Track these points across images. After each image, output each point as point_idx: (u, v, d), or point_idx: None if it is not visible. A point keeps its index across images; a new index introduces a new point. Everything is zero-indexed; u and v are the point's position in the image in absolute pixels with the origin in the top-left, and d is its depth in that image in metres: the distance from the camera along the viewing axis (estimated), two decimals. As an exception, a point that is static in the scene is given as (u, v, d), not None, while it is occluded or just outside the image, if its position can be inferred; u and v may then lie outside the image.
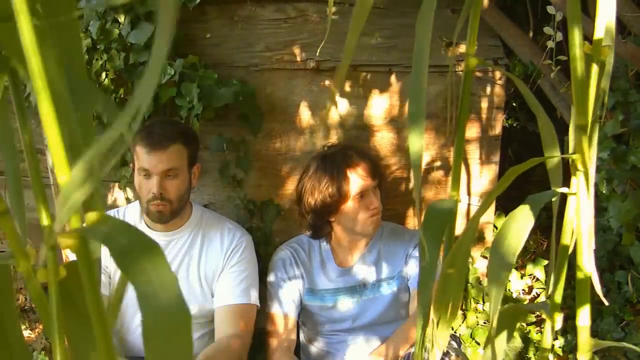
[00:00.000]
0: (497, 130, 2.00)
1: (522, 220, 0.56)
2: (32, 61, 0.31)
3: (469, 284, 2.07)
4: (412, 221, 2.06)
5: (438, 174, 2.03)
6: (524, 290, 2.16)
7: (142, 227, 1.73)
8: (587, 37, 0.57)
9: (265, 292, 1.81)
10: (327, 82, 1.97)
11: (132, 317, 1.73)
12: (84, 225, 0.33)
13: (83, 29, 1.84)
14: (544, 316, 0.62)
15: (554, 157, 0.61)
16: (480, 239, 2.08)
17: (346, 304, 1.78)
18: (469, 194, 2.03)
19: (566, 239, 0.62)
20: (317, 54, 1.90)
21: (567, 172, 0.62)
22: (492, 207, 2.06)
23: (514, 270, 2.15)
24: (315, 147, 1.99)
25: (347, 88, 1.97)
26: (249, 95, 1.92)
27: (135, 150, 1.67)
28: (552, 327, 0.61)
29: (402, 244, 1.79)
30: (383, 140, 2.00)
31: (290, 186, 2.02)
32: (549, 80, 1.91)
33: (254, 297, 1.73)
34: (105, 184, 2.09)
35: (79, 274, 0.34)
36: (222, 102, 1.84)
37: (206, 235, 1.75)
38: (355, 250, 1.80)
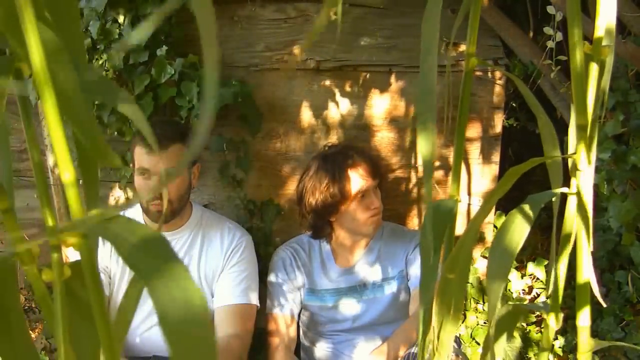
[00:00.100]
0: (497, 130, 2.00)
1: (522, 220, 0.56)
2: (35, 59, 0.31)
3: (469, 284, 2.07)
4: (413, 221, 2.07)
5: (438, 174, 2.03)
6: (524, 290, 2.16)
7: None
8: (587, 37, 0.57)
9: (265, 292, 1.81)
10: (327, 82, 1.98)
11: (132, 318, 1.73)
12: (89, 222, 0.34)
13: (83, 29, 1.84)
14: (544, 316, 0.62)
15: (554, 157, 0.61)
16: (481, 239, 2.08)
17: (346, 304, 1.78)
18: (469, 194, 2.03)
19: (566, 239, 0.62)
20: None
21: (566, 172, 0.62)
22: (492, 208, 2.06)
23: (514, 270, 2.15)
24: (315, 147, 1.99)
25: (347, 88, 1.97)
26: (249, 96, 1.92)
27: (135, 150, 1.67)
28: (556, 323, 0.61)
29: (403, 244, 1.79)
30: (383, 140, 2.00)
31: (290, 186, 2.02)
32: (549, 80, 1.91)
33: (254, 297, 1.73)
34: (106, 184, 2.09)
35: (82, 273, 0.34)
36: (222, 102, 1.84)
37: (206, 235, 1.75)
38: (355, 250, 1.80)
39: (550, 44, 1.73)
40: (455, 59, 1.91)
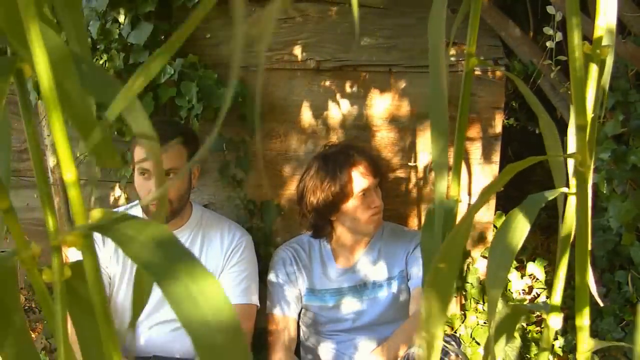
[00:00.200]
0: (497, 130, 2.00)
1: (522, 220, 0.56)
2: (39, 58, 0.31)
3: (469, 284, 2.07)
4: (413, 221, 2.07)
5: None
6: (524, 290, 2.16)
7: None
8: (587, 37, 0.57)
9: (265, 292, 1.81)
10: (327, 82, 1.98)
11: (133, 317, 1.73)
12: (90, 222, 0.34)
13: (85, 29, 1.84)
14: (544, 316, 0.62)
15: (553, 157, 0.61)
16: (481, 239, 2.08)
17: (346, 304, 1.78)
18: (469, 194, 2.03)
19: (566, 239, 0.62)
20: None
21: (566, 172, 0.62)
22: (492, 208, 2.06)
23: (514, 270, 2.15)
24: (315, 147, 1.99)
25: (347, 88, 1.98)
26: (249, 96, 1.92)
27: (135, 150, 1.67)
28: (560, 322, 0.61)
29: (403, 244, 1.79)
30: (383, 140, 2.00)
31: (291, 186, 2.02)
32: (549, 80, 1.91)
33: (254, 297, 1.73)
34: (106, 184, 2.09)
35: (83, 273, 0.34)
36: (222, 102, 1.85)
37: (206, 235, 1.75)
38: (355, 250, 1.80)
39: (550, 44, 1.74)
40: (456, 59, 1.91)
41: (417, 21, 1.95)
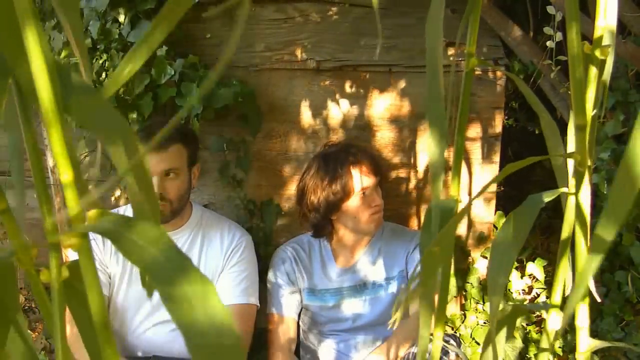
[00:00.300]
0: (497, 130, 2.00)
1: (522, 220, 0.56)
2: (35, 61, 0.31)
3: (469, 284, 2.07)
4: (413, 221, 2.07)
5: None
6: (523, 290, 2.16)
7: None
8: (587, 37, 0.57)
9: (265, 292, 1.81)
10: (327, 82, 1.98)
11: (132, 317, 1.73)
12: (86, 224, 0.33)
13: (83, 29, 1.84)
14: (544, 316, 0.62)
15: (551, 157, 0.61)
16: (481, 239, 2.08)
17: (347, 304, 1.78)
18: (469, 194, 2.03)
19: (565, 239, 0.62)
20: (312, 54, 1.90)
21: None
22: (493, 208, 2.06)
23: (514, 270, 2.15)
24: (315, 147, 1.99)
25: (348, 88, 1.97)
26: (249, 96, 1.92)
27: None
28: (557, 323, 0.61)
29: (403, 244, 1.79)
30: (383, 140, 2.00)
31: (291, 186, 2.02)
32: (549, 80, 1.91)
33: (253, 297, 1.73)
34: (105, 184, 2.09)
35: (81, 273, 0.34)
36: (222, 102, 1.85)
37: (206, 235, 1.75)
38: (356, 249, 1.80)
39: (550, 44, 1.73)
40: (456, 59, 1.91)
41: (417, 21, 1.95)
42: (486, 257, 2.08)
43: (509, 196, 2.39)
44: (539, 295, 2.14)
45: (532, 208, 0.56)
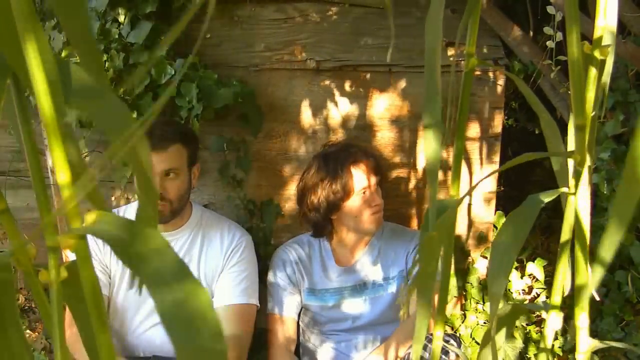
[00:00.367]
0: (497, 130, 2.00)
1: (522, 220, 0.56)
2: (32, 63, 0.31)
3: (469, 284, 2.07)
4: (413, 221, 2.07)
5: (438, 174, 2.03)
6: (523, 290, 2.16)
7: (142, 227, 1.73)
8: (588, 37, 0.57)
9: (265, 292, 1.81)
10: (327, 82, 1.98)
11: (132, 317, 1.73)
12: (84, 225, 0.33)
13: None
14: (544, 316, 0.62)
15: (550, 155, 0.61)
16: (481, 239, 2.08)
17: (346, 304, 1.78)
18: (469, 194, 2.03)
19: (565, 239, 0.62)
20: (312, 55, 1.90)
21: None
22: (493, 208, 2.06)
23: (514, 270, 2.15)
24: (315, 147, 1.99)
25: (348, 88, 1.97)
26: (249, 96, 1.92)
27: (136, 150, 1.67)
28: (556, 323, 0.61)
29: (403, 244, 1.79)
30: (383, 140, 2.00)
31: (291, 186, 2.02)
32: (549, 80, 1.91)
33: (253, 297, 1.73)
34: (106, 184, 2.09)
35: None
36: (222, 102, 1.84)
37: (206, 235, 1.75)
38: (355, 249, 1.80)
39: (550, 44, 1.73)
40: (456, 59, 1.91)
41: (417, 21, 1.95)
42: (486, 257, 2.08)
43: (509, 196, 2.39)
44: (539, 295, 2.14)
45: (532, 208, 0.56)
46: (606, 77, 0.57)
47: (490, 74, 1.96)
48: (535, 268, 2.14)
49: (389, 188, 1.98)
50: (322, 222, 1.75)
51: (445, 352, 1.57)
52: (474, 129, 2.00)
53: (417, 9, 1.93)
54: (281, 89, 1.98)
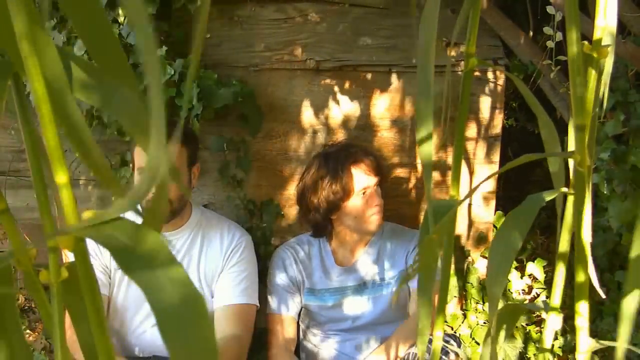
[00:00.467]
0: (497, 130, 2.00)
1: (522, 220, 0.56)
2: (30, 64, 0.31)
3: (469, 284, 2.07)
4: (413, 221, 2.06)
5: (438, 174, 2.03)
6: (523, 290, 2.16)
7: (142, 227, 1.73)
8: (588, 37, 0.57)
9: (265, 292, 1.81)
10: (327, 82, 1.98)
11: (132, 317, 1.73)
12: (81, 224, 0.33)
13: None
14: (544, 316, 0.62)
15: (549, 155, 0.61)
16: (481, 239, 2.08)
17: (346, 304, 1.78)
18: (469, 196, 2.03)
19: (565, 239, 0.62)
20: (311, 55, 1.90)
21: (566, 172, 0.62)
22: (492, 208, 2.06)
23: (514, 270, 2.15)
24: (315, 147, 1.99)
25: (348, 88, 1.97)
26: (249, 96, 1.92)
27: (135, 150, 1.67)
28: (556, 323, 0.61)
29: (403, 243, 1.79)
30: (383, 140, 2.00)
31: (291, 186, 2.02)
32: (548, 80, 1.91)
33: (253, 297, 1.73)
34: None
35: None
36: (222, 102, 1.84)
37: (206, 236, 1.75)
38: (355, 249, 1.80)
39: (550, 44, 1.73)
40: (456, 59, 1.91)
41: (416, 21, 1.95)
42: (486, 257, 2.08)
43: (509, 196, 2.39)
44: (538, 295, 2.14)
45: (531, 208, 0.56)
46: (606, 77, 0.57)
47: (490, 74, 1.96)
48: (535, 268, 2.14)
49: (389, 188, 1.98)
50: (322, 222, 1.75)
51: (445, 352, 1.57)
52: (473, 129, 2.00)
53: (417, 9, 1.93)
54: (281, 89, 1.98)
